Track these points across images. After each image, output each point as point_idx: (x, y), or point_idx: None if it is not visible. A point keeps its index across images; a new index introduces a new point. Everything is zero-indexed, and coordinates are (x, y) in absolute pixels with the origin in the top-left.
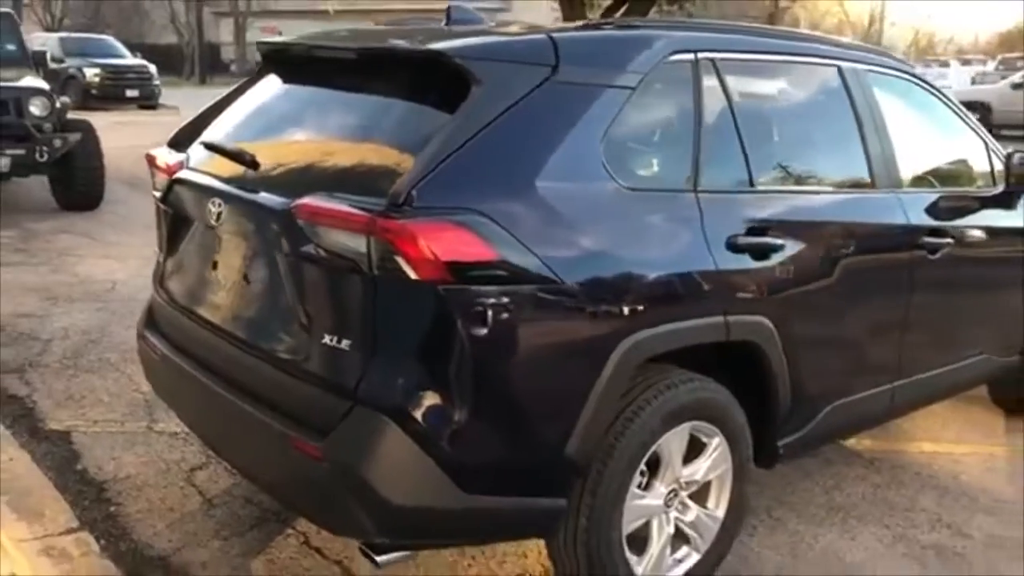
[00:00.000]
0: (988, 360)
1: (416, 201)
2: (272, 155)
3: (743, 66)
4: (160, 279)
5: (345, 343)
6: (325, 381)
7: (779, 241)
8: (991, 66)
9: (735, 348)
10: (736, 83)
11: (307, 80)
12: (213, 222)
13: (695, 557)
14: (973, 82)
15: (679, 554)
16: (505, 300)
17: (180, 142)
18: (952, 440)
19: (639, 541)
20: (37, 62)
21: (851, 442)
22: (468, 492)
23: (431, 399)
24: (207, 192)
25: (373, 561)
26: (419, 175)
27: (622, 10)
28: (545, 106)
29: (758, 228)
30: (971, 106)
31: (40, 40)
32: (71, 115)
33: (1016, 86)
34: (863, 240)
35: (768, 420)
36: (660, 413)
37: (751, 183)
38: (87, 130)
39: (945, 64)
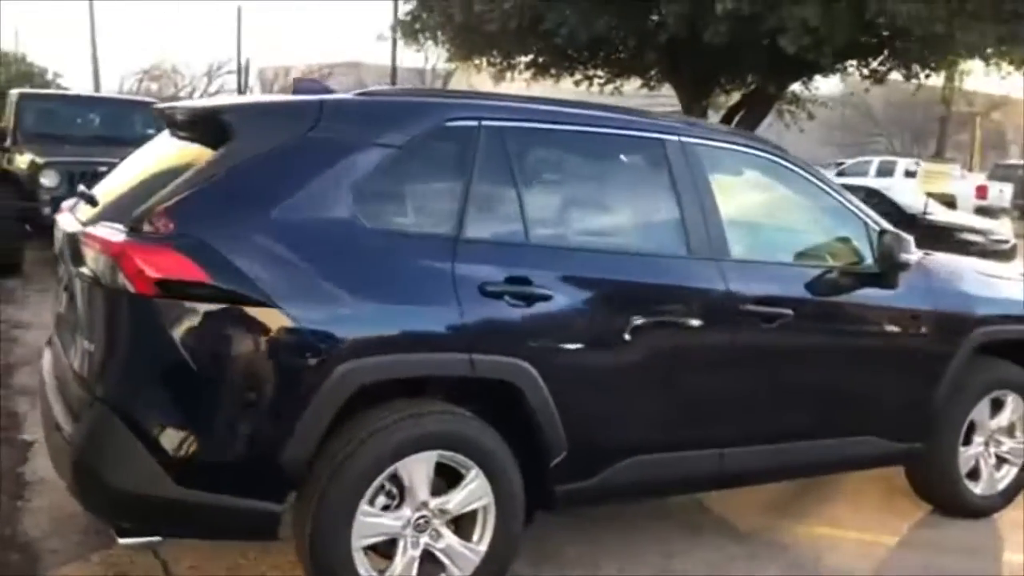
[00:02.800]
0: (876, 442)
1: (144, 227)
2: (110, 195)
3: (532, 134)
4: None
5: (94, 347)
6: (83, 380)
7: (547, 292)
8: None
9: (497, 387)
10: (521, 148)
11: (161, 133)
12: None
13: None
14: None
15: None
16: (218, 316)
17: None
18: (853, 526)
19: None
20: None
21: (738, 515)
22: (183, 486)
23: (149, 398)
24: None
25: (118, 539)
26: (152, 206)
27: (740, 114)
28: (297, 155)
29: (521, 278)
30: None
31: None
32: None
33: None
34: (657, 302)
35: (538, 462)
36: (396, 439)
37: (525, 237)
38: None
39: None
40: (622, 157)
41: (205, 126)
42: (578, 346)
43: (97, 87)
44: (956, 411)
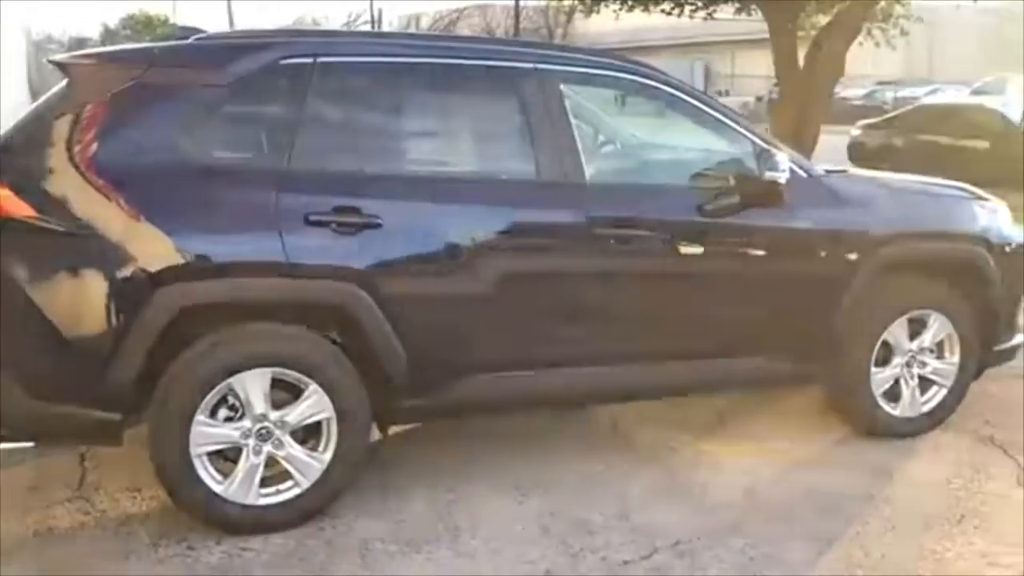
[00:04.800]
0: (766, 363)
1: None
2: None
3: (368, 68)
4: None
5: None
6: None
7: (377, 219)
8: None
9: (332, 311)
10: (357, 83)
11: None
12: None
13: (297, 490)
14: None
15: (284, 486)
16: (50, 247)
17: None
18: (765, 445)
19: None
20: None
21: (648, 431)
22: (34, 398)
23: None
24: None
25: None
26: None
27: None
28: (126, 98)
29: (348, 207)
30: None
31: None
32: None
33: None
34: (496, 225)
35: (380, 380)
36: (226, 357)
37: (358, 167)
38: None
39: None
40: (465, 87)
41: (63, 75)
42: (414, 271)
43: None
44: (863, 332)
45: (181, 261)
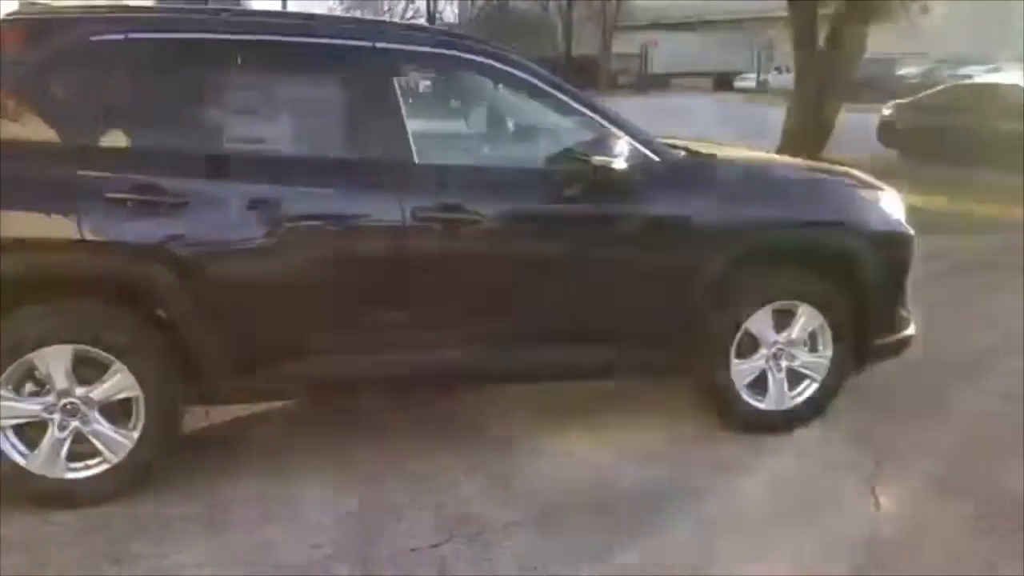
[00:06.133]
0: (615, 352)
1: None
2: None
3: (182, 45)
4: None
5: None
6: None
7: (182, 197)
8: None
9: (138, 288)
10: (169, 60)
11: None
12: None
13: (105, 466)
14: None
15: (93, 461)
16: None
17: None
18: (616, 437)
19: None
20: None
21: (504, 420)
22: None
23: None
24: None
25: None
26: None
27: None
28: None
29: (150, 185)
30: None
31: None
32: None
33: None
34: (311, 204)
35: (192, 360)
36: (22, 333)
37: (164, 144)
38: None
39: None
40: (283, 65)
41: None
42: (222, 250)
43: None
44: (719, 322)
45: None
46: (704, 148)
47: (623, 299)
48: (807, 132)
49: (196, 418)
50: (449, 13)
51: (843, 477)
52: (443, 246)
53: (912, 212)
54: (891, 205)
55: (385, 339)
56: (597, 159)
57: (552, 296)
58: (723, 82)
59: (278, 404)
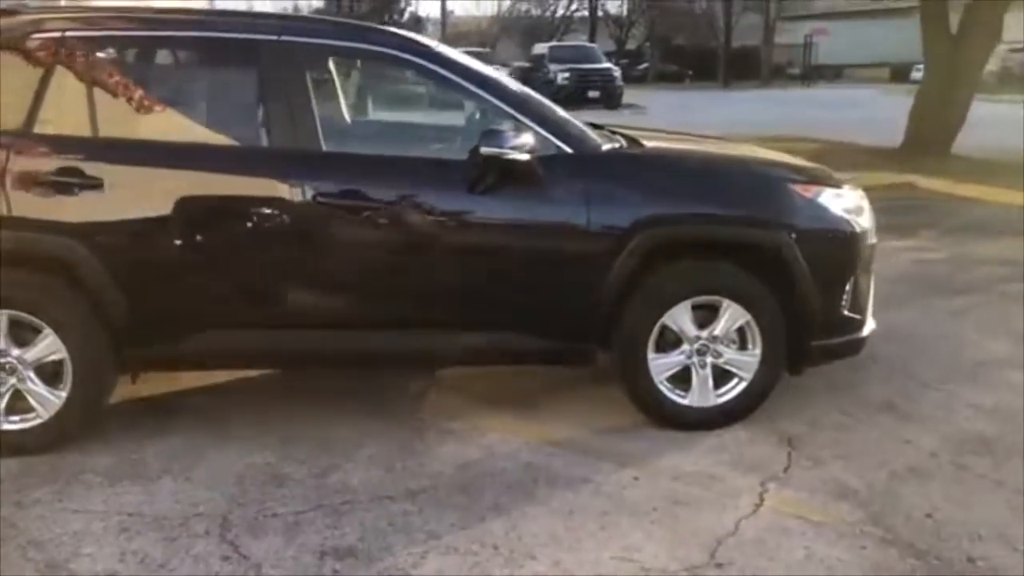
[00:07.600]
0: (513, 338)
1: None
2: None
3: (115, 42)
4: None
5: None
6: None
7: (100, 180)
8: None
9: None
10: (103, 55)
11: None
12: None
13: (38, 420)
14: None
15: (29, 415)
16: None
17: None
18: (533, 427)
19: None
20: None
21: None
22: None
23: None
24: None
25: None
26: None
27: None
28: None
29: (72, 168)
30: None
31: (539, 48)
32: None
33: None
34: (217, 189)
35: (108, 328)
36: None
37: (90, 132)
38: None
39: None
40: (202, 58)
41: None
42: (135, 229)
43: None
44: (634, 316)
45: None
46: (652, 139)
47: (521, 286)
48: (935, 126)
49: (159, 383)
50: (611, 6)
51: (742, 477)
52: (341, 230)
53: None
54: (838, 202)
55: (287, 317)
56: (486, 150)
57: (445, 283)
58: (901, 73)
59: (253, 373)
